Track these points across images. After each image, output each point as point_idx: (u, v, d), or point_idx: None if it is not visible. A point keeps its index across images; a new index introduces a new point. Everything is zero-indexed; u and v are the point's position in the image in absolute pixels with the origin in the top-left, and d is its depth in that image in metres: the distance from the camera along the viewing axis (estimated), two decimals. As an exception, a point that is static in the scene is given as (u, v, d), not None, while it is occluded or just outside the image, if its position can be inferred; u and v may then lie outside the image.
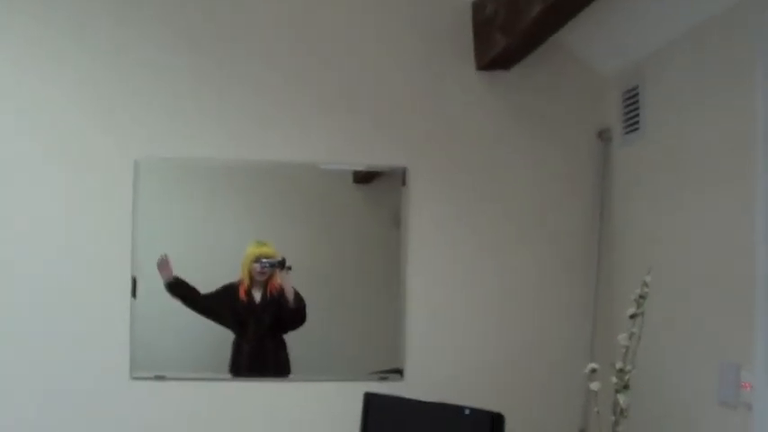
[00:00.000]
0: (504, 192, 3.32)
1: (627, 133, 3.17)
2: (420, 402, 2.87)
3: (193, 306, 3.11)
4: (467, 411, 2.70)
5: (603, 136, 3.32)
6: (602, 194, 3.32)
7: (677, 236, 2.79)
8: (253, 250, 3.16)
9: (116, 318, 3.05)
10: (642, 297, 2.45)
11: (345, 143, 3.24)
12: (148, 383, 3.07)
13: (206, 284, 3.13)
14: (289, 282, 3.16)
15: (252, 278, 3.16)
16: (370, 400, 2.98)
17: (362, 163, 3.24)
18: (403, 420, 2.91)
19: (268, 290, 3.17)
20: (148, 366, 3.07)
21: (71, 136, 3.08)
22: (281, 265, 3.15)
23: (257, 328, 3.19)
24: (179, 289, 3.10)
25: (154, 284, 3.08)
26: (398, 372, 3.21)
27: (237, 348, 3.17)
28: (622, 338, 2.46)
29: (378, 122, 3.26)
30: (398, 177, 3.25)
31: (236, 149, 3.18)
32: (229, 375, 3.14)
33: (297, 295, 3.17)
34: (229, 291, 3.16)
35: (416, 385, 3.14)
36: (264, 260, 3.15)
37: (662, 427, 2.82)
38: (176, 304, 3.09)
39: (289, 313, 3.18)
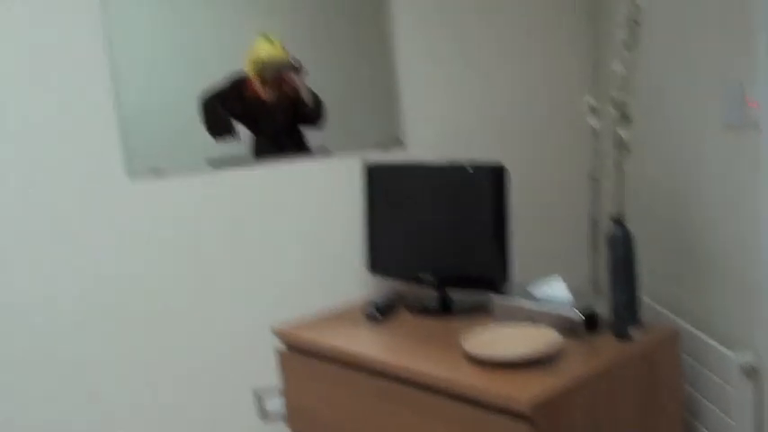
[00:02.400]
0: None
1: None
2: (421, 165, 2.81)
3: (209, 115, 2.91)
4: (470, 170, 2.64)
5: None
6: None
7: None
8: (260, 49, 2.94)
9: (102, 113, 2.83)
10: (636, 22, 2.29)
11: None
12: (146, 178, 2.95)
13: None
14: (303, 82, 3.00)
15: (263, 79, 2.96)
16: (371, 170, 2.94)
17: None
18: (406, 186, 2.87)
19: (282, 89, 2.99)
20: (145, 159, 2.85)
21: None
22: (294, 67, 2.97)
23: (272, 126, 3.03)
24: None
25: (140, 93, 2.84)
26: (399, 141, 3.15)
27: (255, 145, 3.01)
28: (616, 65, 2.32)
29: None
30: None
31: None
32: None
33: (314, 95, 3.02)
34: (239, 87, 2.94)
35: (418, 153, 3.11)
36: (273, 61, 2.95)
37: (668, 159, 2.75)
38: (168, 99, 2.86)
39: (307, 113, 3.04)
